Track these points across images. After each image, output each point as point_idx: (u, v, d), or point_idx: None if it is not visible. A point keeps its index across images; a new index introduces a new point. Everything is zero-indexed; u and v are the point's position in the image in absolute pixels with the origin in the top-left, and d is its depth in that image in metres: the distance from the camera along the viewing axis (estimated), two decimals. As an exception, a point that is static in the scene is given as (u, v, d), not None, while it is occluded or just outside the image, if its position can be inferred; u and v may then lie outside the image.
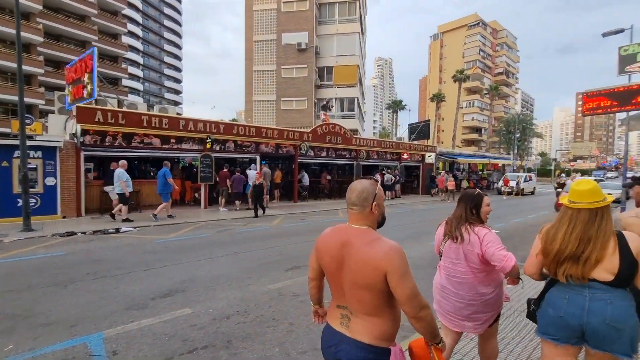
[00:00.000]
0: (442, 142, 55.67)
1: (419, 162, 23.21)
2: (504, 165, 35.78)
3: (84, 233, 8.05)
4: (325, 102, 27.02)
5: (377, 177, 18.68)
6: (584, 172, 57.27)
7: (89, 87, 10.89)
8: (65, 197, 9.84)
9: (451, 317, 2.36)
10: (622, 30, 13.38)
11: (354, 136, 18.84)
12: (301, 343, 3.28)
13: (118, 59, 37.69)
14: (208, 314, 3.85)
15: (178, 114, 14.74)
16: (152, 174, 14.66)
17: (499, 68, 68.90)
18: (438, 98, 50.79)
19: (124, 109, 12.00)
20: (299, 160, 16.02)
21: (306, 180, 16.31)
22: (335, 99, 28.70)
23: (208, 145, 12.46)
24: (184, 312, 3.89)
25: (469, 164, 30.14)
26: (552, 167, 60.61)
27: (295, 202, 15.58)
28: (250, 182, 12.77)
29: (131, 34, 53.22)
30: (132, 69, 52.13)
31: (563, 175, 20.88)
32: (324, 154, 17.23)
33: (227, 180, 12.24)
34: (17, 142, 8.47)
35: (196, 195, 13.67)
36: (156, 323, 3.60)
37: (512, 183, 23.99)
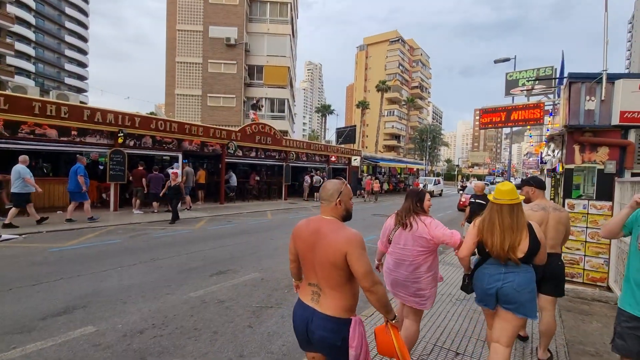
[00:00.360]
0: (367, 147, 59.30)
1: (345, 165, 24.28)
2: (418, 169, 39.74)
3: (-56, 243, 6.40)
4: (255, 101, 26.38)
5: (307, 178, 19.02)
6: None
7: (-46, 61, 8.75)
8: None
9: (402, 295, 2.77)
10: (508, 59, 16.10)
11: (284, 137, 18.82)
12: (226, 351, 3.12)
13: (1, 31, 31.10)
14: (116, 331, 3.41)
15: (82, 102, 12.79)
16: (45, 170, 12.44)
17: (414, 82, 76.33)
18: (363, 105, 54.00)
19: (8, 91, 9.94)
20: (226, 160, 15.33)
21: (234, 180, 15.71)
22: (266, 98, 28.29)
23: (120, 140, 11.07)
24: (85, 330, 3.37)
25: (389, 167, 32.72)
26: (456, 172, 69.61)
27: (221, 204, 14.86)
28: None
29: (20, 4, 44.54)
30: (20, 46, 43.62)
31: (464, 179, 24.18)
32: (252, 154, 16.82)
33: (143, 180, 11.06)
34: None
35: (104, 196, 12.03)
36: (47, 347, 3.04)
37: (421, 186, 27.03)
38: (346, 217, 1.83)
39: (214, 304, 4.20)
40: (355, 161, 24.46)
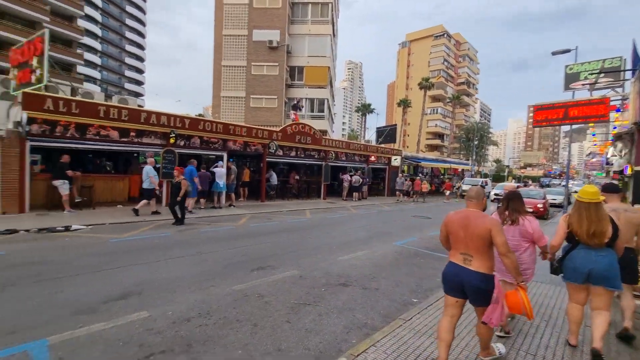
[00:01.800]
0: (408, 147, 57.64)
1: (385, 165, 23.84)
2: (463, 170, 37.77)
3: (28, 231, 7.35)
4: (295, 102, 26.85)
5: (347, 177, 18.96)
6: (534, 179, 62.08)
7: (38, 72, 9.99)
8: (6, 191, 8.94)
9: (509, 277, 3.43)
10: (568, 51, 14.67)
11: (324, 137, 18.94)
12: (265, 344, 3.24)
13: (72, 43, 34.86)
14: (167, 318, 3.68)
15: (139, 106, 13.94)
16: (108, 168, 13.76)
17: (460, 78, 72.64)
18: (405, 104, 52.54)
19: (78, 97, 11.14)
20: (267, 159, 15.82)
21: (274, 179, 16.14)
22: (306, 99, 28.68)
23: (172, 140, 11.91)
24: (140, 315, 3.69)
25: (432, 168, 31.51)
26: (506, 174, 65.08)
27: (262, 202, 15.36)
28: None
29: (89, 18, 49.60)
30: (88, 56, 48.60)
31: (516, 181, 22.66)
32: (293, 153, 17.16)
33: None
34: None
35: (157, 192, 12.99)
36: (108, 328, 3.38)
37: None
38: (484, 209, 2.82)
39: (255, 297, 4.36)
40: (396, 161, 23.92)
